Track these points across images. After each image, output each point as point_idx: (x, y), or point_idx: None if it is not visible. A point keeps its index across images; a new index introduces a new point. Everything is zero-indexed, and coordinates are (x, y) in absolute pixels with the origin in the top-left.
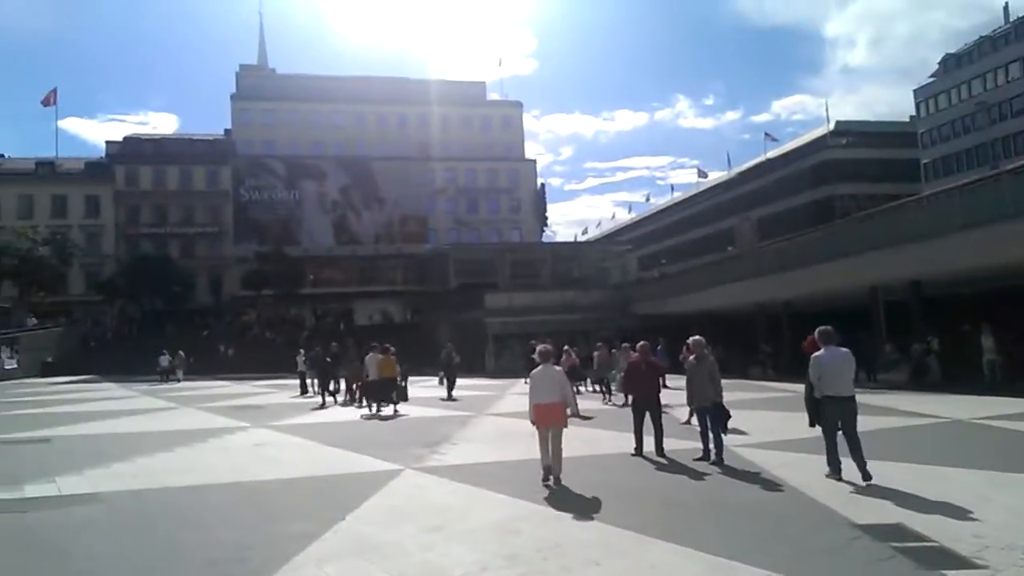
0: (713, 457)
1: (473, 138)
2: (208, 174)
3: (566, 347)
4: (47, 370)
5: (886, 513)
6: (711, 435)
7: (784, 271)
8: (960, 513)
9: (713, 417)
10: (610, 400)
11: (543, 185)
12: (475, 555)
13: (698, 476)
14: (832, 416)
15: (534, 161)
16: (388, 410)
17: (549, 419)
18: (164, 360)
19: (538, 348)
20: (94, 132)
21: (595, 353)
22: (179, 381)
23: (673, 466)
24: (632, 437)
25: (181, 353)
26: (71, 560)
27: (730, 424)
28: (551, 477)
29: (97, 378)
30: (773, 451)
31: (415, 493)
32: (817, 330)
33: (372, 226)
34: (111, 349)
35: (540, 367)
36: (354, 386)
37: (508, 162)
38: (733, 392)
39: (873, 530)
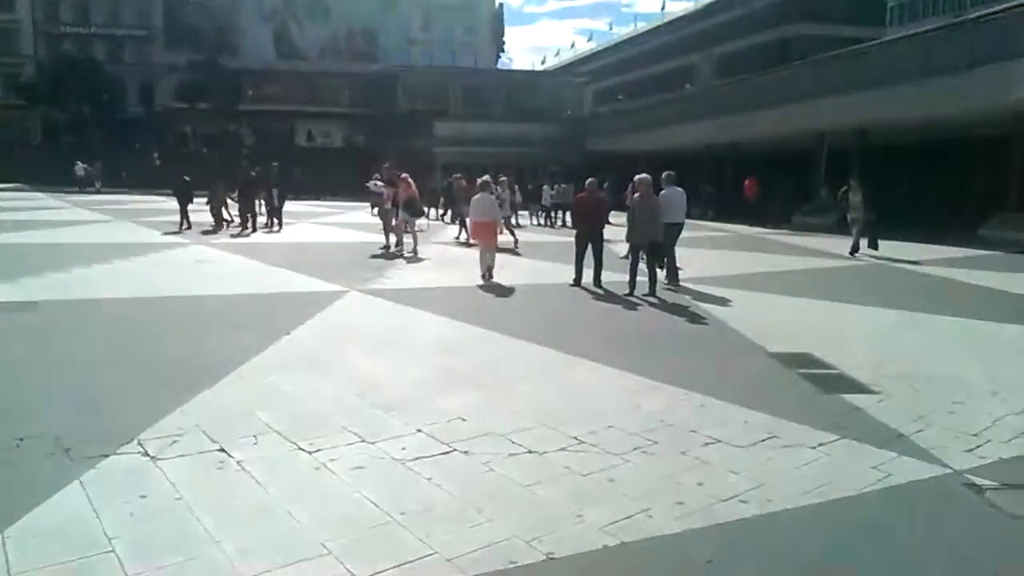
0: (646, 290)
1: None
2: None
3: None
4: None
5: (800, 344)
6: (647, 270)
7: (736, 112)
8: (867, 346)
9: (649, 254)
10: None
11: (501, 6)
12: (416, 370)
13: (631, 307)
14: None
15: None
16: (422, 222)
17: (483, 234)
18: (80, 169)
19: (479, 180)
20: None
21: (450, 181)
22: (97, 192)
23: (608, 297)
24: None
25: (99, 163)
26: (11, 364)
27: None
28: (487, 275)
29: (24, 187)
30: (705, 286)
31: (359, 313)
32: (664, 174)
33: (317, 40)
34: (37, 156)
35: (478, 194)
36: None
37: None
38: None
39: (785, 358)
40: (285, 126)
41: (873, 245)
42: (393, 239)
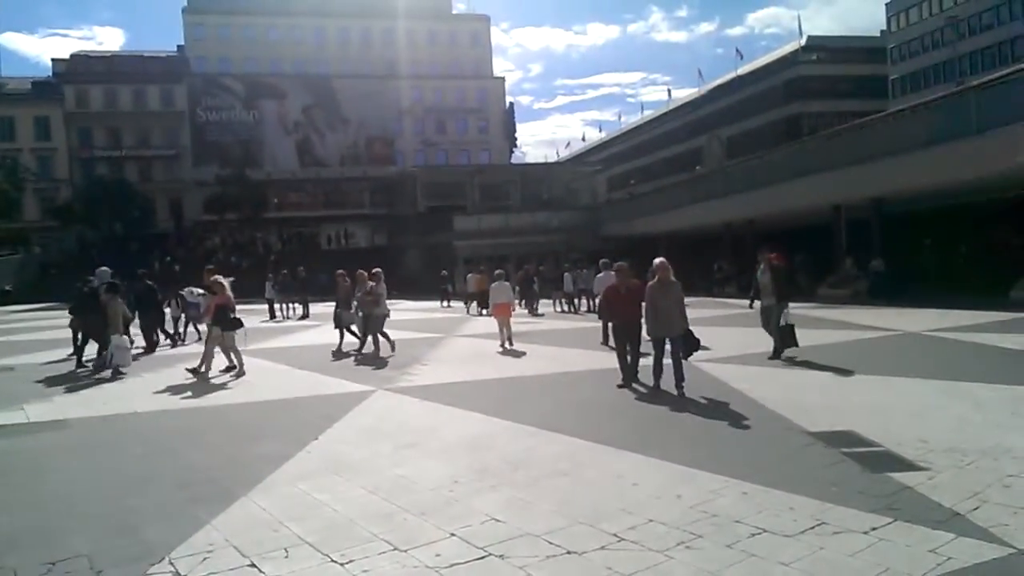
0: (676, 391)
1: (440, 55)
2: (162, 94)
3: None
4: (6, 298)
5: (839, 421)
6: (671, 362)
7: (750, 190)
8: (908, 420)
9: (675, 346)
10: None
11: (512, 104)
12: (447, 469)
13: (660, 395)
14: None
15: (503, 79)
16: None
17: (503, 312)
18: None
19: (496, 272)
20: (36, 48)
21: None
22: None
23: (640, 385)
24: (614, 360)
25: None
26: (45, 483)
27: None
28: (505, 345)
29: (59, 305)
30: (736, 366)
31: (387, 413)
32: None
33: (337, 148)
34: (72, 276)
35: (497, 282)
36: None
37: (476, 80)
38: (698, 310)
39: (825, 437)
40: (310, 231)
41: (786, 343)
42: (233, 359)
